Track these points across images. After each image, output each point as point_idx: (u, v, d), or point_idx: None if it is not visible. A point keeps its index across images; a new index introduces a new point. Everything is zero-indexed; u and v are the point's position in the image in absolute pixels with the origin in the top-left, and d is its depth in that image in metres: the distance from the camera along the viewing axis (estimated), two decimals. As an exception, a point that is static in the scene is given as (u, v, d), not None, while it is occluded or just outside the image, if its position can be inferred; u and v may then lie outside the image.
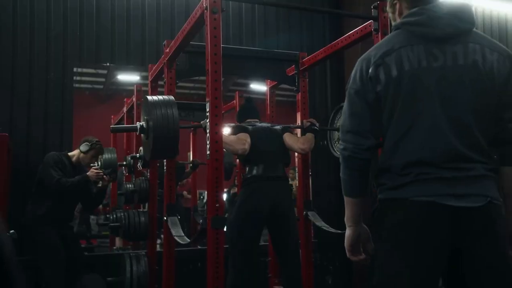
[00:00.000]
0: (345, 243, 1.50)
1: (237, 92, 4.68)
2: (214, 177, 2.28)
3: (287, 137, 3.08)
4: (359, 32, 2.80)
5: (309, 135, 3.07)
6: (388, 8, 1.57)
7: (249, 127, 3.02)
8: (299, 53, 3.43)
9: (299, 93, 3.41)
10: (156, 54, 4.05)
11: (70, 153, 3.54)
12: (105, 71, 7.35)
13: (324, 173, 4.69)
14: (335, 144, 3.19)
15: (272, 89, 3.87)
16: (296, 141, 3.06)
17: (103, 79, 7.94)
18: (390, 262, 1.34)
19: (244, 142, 2.89)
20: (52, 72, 3.97)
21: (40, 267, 3.33)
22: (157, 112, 2.47)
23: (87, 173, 3.30)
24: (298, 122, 3.46)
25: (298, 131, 3.32)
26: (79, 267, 3.40)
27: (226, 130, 3.10)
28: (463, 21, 1.39)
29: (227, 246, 2.65)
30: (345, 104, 1.47)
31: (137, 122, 2.67)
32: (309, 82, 3.50)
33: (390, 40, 1.44)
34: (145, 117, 2.62)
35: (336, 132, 3.09)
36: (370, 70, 1.39)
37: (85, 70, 7.17)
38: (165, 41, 3.10)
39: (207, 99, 2.34)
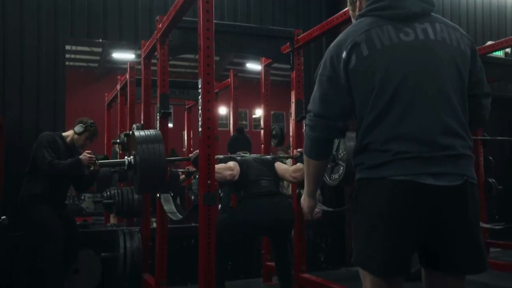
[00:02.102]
0: (305, 209, 1.70)
1: (231, 71, 4.64)
2: (206, 154, 2.28)
3: (278, 165, 3.08)
4: (355, 9, 2.76)
5: (300, 165, 3.03)
6: (348, 6, 1.61)
7: (238, 157, 3.03)
8: (294, 30, 3.39)
9: (294, 71, 3.39)
10: (149, 30, 3.99)
11: (64, 133, 3.51)
12: (99, 49, 7.25)
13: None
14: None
15: (266, 67, 3.83)
16: (287, 170, 3.06)
17: (97, 57, 7.85)
18: (368, 239, 1.37)
19: (232, 168, 2.90)
20: (43, 49, 3.91)
21: (38, 244, 3.35)
22: (143, 148, 2.48)
23: (80, 157, 3.29)
24: (293, 100, 3.44)
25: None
26: (75, 244, 3.42)
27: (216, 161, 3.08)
28: (426, 2, 1.43)
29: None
30: (315, 90, 1.48)
31: (125, 157, 2.67)
32: (304, 60, 3.47)
33: (357, 25, 1.45)
34: (134, 152, 2.62)
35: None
36: (343, 55, 1.40)
37: (79, 48, 7.09)
38: (157, 17, 3.05)
39: (199, 76, 2.31)
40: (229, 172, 2.85)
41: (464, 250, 1.36)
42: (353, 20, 1.58)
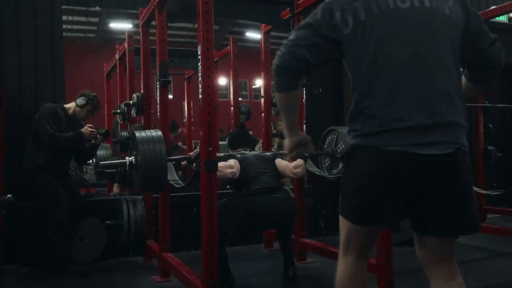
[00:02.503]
0: (289, 145, 1.59)
1: (231, 38, 4.58)
2: (207, 120, 2.29)
3: (278, 162, 3.07)
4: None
5: (300, 161, 3.03)
6: None
7: (238, 155, 3.01)
8: (294, -6, 3.32)
9: (294, 38, 3.34)
10: (147, -3, 3.91)
11: (66, 105, 3.51)
12: (96, 19, 7.15)
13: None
14: (326, 165, 3.15)
15: (266, 34, 3.78)
16: (288, 166, 3.04)
17: (95, 28, 7.73)
18: (354, 195, 1.43)
19: (232, 166, 2.88)
20: (40, 17, 3.84)
21: (44, 212, 3.40)
22: (145, 148, 2.49)
23: (81, 130, 3.31)
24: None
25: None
26: (79, 213, 3.48)
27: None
28: None
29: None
30: (295, 30, 1.48)
31: (126, 158, 2.67)
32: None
33: None
34: (134, 152, 2.62)
35: (327, 156, 3.05)
36: (337, 14, 1.40)
37: (76, 18, 6.98)
38: (155, -18, 2.99)
39: (198, 42, 2.29)
40: (229, 170, 2.85)
41: (457, 214, 1.40)
42: None
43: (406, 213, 1.46)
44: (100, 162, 2.87)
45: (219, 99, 5.68)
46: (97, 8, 4.17)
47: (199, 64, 2.30)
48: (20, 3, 3.79)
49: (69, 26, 7.24)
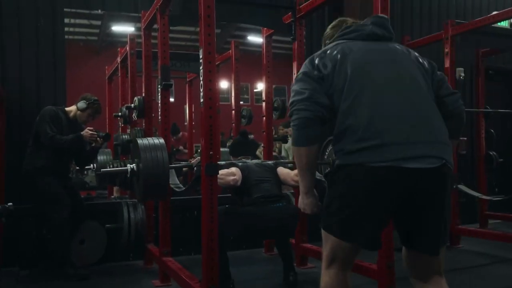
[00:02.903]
0: (306, 210, 1.64)
1: (232, 42, 4.58)
2: (208, 124, 2.28)
3: (280, 170, 3.06)
4: (359, -24, 2.70)
5: None
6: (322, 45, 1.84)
7: (239, 163, 3.01)
8: (296, -1, 3.33)
9: (296, 42, 3.34)
10: (149, 0, 3.92)
11: (67, 108, 3.51)
12: (99, 22, 7.16)
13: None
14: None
15: (268, 38, 3.78)
16: (289, 174, 3.04)
17: (97, 31, 7.74)
18: (340, 212, 1.48)
19: (234, 173, 2.88)
20: (42, 19, 3.85)
21: (45, 215, 3.39)
22: (147, 156, 2.48)
23: (82, 133, 3.30)
24: (295, 72, 3.40)
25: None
26: (80, 215, 3.47)
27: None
28: (386, 30, 1.65)
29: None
30: (295, 86, 1.56)
31: (128, 165, 2.66)
32: (306, 31, 3.43)
33: (330, 44, 1.65)
34: (136, 160, 2.61)
35: (328, 166, 3.04)
36: (316, 61, 1.56)
37: (78, 21, 6.98)
38: (157, -14, 3.00)
39: (200, 46, 2.29)
40: (231, 178, 2.84)
41: (438, 229, 1.49)
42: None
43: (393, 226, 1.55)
44: (102, 170, 2.85)
45: (221, 103, 5.68)
46: (99, 11, 4.16)
47: (201, 68, 2.29)
48: (22, 5, 3.80)
49: (71, 29, 7.25)
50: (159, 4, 2.96)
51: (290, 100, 1.55)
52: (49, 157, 3.33)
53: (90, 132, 3.31)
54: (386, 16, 1.71)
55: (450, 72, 4.11)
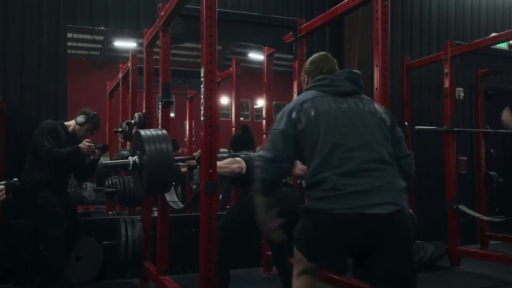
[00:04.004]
0: (263, 227, 1.93)
1: (233, 59, 4.61)
2: (208, 142, 2.28)
3: None
4: (359, -2, 2.73)
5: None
6: (302, 82, 2.12)
7: (242, 155, 2.99)
8: (297, 19, 3.36)
9: (296, 61, 3.37)
10: (152, 18, 3.95)
11: (67, 123, 3.51)
12: (101, 38, 7.21)
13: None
14: None
15: (269, 56, 3.81)
16: (296, 163, 3.03)
17: (99, 46, 7.80)
18: (309, 245, 1.77)
19: (239, 161, 2.86)
20: (45, 35, 3.89)
21: (41, 230, 3.37)
22: (151, 147, 2.41)
23: (79, 145, 3.30)
24: (295, 90, 3.42)
25: None
26: (77, 231, 3.44)
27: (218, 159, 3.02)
28: (357, 85, 1.89)
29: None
30: (270, 139, 1.84)
31: (129, 157, 2.59)
32: (307, 50, 3.45)
33: (305, 95, 1.88)
34: (138, 152, 2.54)
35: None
36: (293, 115, 1.80)
37: (81, 36, 7.04)
38: (160, 4, 3.03)
39: (202, 64, 2.30)
40: (236, 165, 2.82)
41: (396, 269, 1.68)
42: (303, 86, 2.05)
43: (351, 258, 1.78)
44: (103, 162, 2.77)
45: (221, 118, 5.69)
46: (103, 27, 4.21)
47: (202, 86, 2.30)
48: (26, 20, 3.84)
49: (74, 44, 7.31)
50: (161, 22, 2.98)
51: (261, 153, 1.87)
52: (47, 171, 3.31)
53: (88, 144, 3.30)
54: (359, 72, 1.96)
55: (450, 92, 4.13)
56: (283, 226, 1.85)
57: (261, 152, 1.88)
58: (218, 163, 2.58)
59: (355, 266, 1.78)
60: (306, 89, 1.94)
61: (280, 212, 1.90)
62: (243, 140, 3.31)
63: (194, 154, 2.79)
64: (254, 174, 1.86)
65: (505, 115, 3.06)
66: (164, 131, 2.55)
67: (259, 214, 1.90)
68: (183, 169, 5.28)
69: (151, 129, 2.55)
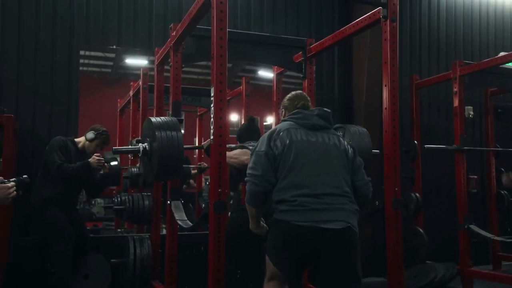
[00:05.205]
0: (257, 232, 2.38)
1: (243, 78, 4.66)
2: (217, 161, 2.28)
3: None
4: (368, 19, 2.76)
5: None
6: (280, 114, 2.52)
7: (250, 146, 3.00)
8: (306, 39, 3.40)
9: (306, 80, 3.39)
10: (163, 38, 4.03)
11: (77, 139, 3.55)
12: (113, 55, 7.33)
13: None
14: None
15: (279, 75, 3.83)
16: None
17: (111, 63, 7.92)
18: (276, 253, 2.14)
19: (249, 153, 2.86)
20: (58, 54, 3.97)
21: (48, 247, 3.38)
22: (162, 134, 2.46)
23: (89, 160, 3.33)
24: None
25: None
26: (85, 248, 3.45)
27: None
28: (326, 121, 2.29)
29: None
30: (254, 160, 2.19)
31: (140, 144, 2.64)
32: (316, 69, 3.47)
33: (282, 125, 2.28)
34: (148, 139, 2.59)
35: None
36: (271, 143, 2.19)
37: (93, 53, 7.17)
38: (171, 25, 3.08)
39: (212, 84, 2.33)
40: (246, 157, 2.82)
41: (342, 275, 2.04)
42: (281, 118, 2.45)
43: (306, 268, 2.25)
44: (114, 148, 2.79)
45: (230, 135, 5.72)
46: (115, 47, 4.29)
47: (212, 105, 2.32)
48: (40, 40, 3.93)
49: (86, 61, 7.43)
50: (172, 42, 3.03)
51: (248, 171, 2.18)
52: (57, 188, 3.33)
53: (97, 158, 3.33)
54: (329, 110, 2.32)
55: (459, 110, 4.12)
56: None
57: (249, 170, 2.17)
58: (228, 153, 2.65)
59: (309, 273, 2.17)
60: (284, 120, 2.33)
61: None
62: (249, 131, 3.32)
63: (202, 143, 2.80)
64: (246, 188, 2.18)
65: (505, 179, 3.25)
66: (174, 119, 2.59)
67: (253, 221, 2.31)
68: (193, 171, 5.30)
69: (162, 117, 2.59)
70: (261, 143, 2.21)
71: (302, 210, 2.03)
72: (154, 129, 2.47)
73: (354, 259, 2.06)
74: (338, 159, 2.19)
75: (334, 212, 2.04)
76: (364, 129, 3.17)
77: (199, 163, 5.25)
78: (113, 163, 3.44)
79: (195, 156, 6.28)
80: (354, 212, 2.10)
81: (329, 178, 2.11)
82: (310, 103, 2.41)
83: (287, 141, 2.16)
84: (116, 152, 2.73)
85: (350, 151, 2.25)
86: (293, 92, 2.47)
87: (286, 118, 2.34)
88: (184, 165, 4.56)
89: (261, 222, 2.34)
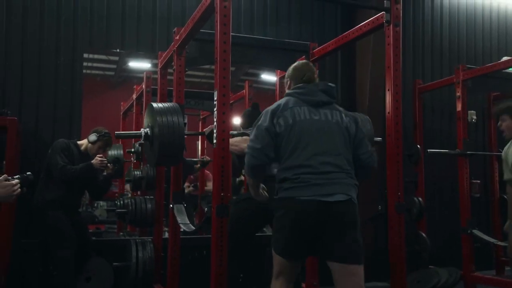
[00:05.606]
0: (258, 199, 2.40)
1: (246, 82, 4.66)
2: (220, 165, 2.28)
3: None
4: (371, 24, 2.76)
5: None
6: (284, 84, 2.50)
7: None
8: (309, 43, 3.40)
9: (309, 84, 3.39)
10: (167, 41, 4.04)
11: (79, 142, 3.56)
12: (116, 58, 7.34)
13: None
14: None
15: (282, 79, 3.84)
16: None
17: (114, 66, 7.93)
18: (278, 233, 2.19)
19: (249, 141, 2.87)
20: (62, 57, 3.98)
21: (50, 250, 3.38)
22: (163, 120, 2.48)
23: (91, 161, 3.33)
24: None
25: None
26: (87, 251, 3.45)
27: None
28: (330, 96, 2.30)
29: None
30: (256, 133, 2.22)
31: (141, 129, 2.66)
32: (319, 72, 3.45)
33: (286, 101, 2.28)
34: (150, 124, 2.60)
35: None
36: (274, 119, 2.22)
37: (96, 56, 7.18)
38: (175, 29, 3.09)
39: (215, 88, 2.33)
40: (246, 145, 2.83)
41: (343, 244, 2.10)
42: (286, 90, 2.43)
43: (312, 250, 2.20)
44: (116, 132, 2.81)
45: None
46: (118, 50, 4.30)
47: (215, 109, 2.32)
48: (44, 43, 3.95)
49: (89, 64, 7.44)
50: (176, 46, 3.04)
51: (249, 143, 2.22)
52: (59, 191, 3.34)
53: (100, 159, 3.33)
54: (333, 85, 2.34)
55: (462, 115, 4.11)
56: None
57: (250, 143, 2.22)
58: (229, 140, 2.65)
59: (314, 248, 2.18)
60: (288, 94, 2.33)
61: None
62: (253, 117, 3.31)
63: (204, 129, 2.80)
64: (245, 160, 2.23)
65: (507, 226, 3.36)
66: (176, 104, 2.62)
67: (253, 190, 2.36)
68: (196, 165, 5.29)
69: (163, 103, 2.60)
70: (264, 118, 2.24)
71: (304, 185, 2.11)
72: (155, 114, 2.48)
73: (355, 228, 2.13)
74: (340, 137, 2.22)
75: (335, 186, 2.12)
76: (366, 116, 3.22)
77: (202, 157, 5.25)
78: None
79: (198, 150, 6.28)
80: (354, 186, 2.18)
81: (331, 158, 2.16)
82: (315, 75, 2.39)
83: (291, 121, 2.19)
84: (118, 136, 2.76)
85: (353, 127, 2.28)
86: (299, 62, 2.45)
87: (291, 91, 2.33)
88: (187, 159, 4.55)
89: (261, 190, 2.39)
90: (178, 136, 2.50)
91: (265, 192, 2.40)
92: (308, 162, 2.14)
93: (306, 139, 2.18)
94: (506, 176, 3.30)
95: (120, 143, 5.20)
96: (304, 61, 2.43)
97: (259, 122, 2.24)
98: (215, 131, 2.27)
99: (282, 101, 2.30)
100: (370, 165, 2.32)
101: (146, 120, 2.76)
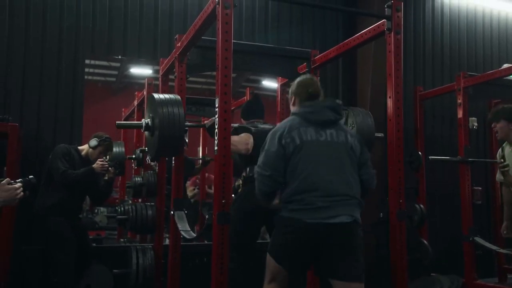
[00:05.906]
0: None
1: (248, 88, 4.67)
2: (221, 172, 2.28)
3: None
4: (372, 31, 2.77)
5: None
6: (289, 99, 2.50)
7: (252, 128, 3.00)
8: (311, 50, 3.41)
9: (310, 90, 3.39)
10: (168, 48, 4.06)
11: (80, 147, 3.57)
12: (118, 64, 7.36)
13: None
14: None
15: (283, 86, 3.85)
16: None
17: (115, 72, 7.95)
18: (281, 248, 2.22)
19: (247, 142, 2.88)
20: (63, 63, 4.00)
21: (51, 256, 3.37)
22: (164, 111, 2.49)
23: (93, 166, 3.34)
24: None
25: None
26: (88, 258, 3.44)
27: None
28: (336, 113, 2.32)
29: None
30: (264, 158, 2.25)
31: (142, 120, 2.67)
32: (320, 79, 3.47)
33: (292, 121, 2.31)
34: (151, 115, 2.61)
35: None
36: (282, 141, 2.24)
37: (98, 62, 7.19)
38: (176, 36, 3.10)
39: (216, 95, 2.33)
40: (244, 147, 2.86)
41: (346, 264, 2.14)
42: (290, 107, 2.47)
43: (312, 264, 2.25)
44: (117, 122, 2.82)
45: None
46: (120, 57, 4.32)
47: (216, 116, 2.32)
48: (46, 49, 3.96)
49: (91, 70, 7.45)
50: (177, 53, 3.05)
51: (257, 169, 2.26)
52: (61, 196, 3.33)
53: (101, 162, 3.34)
54: (340, 102, 2.37)
55: (463, 122, 4.11)
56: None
57: (258, 169, 2.25)
58: None
59: (315, 267, 2.25)
60: (293, 114, 2.36)
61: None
62: (254, 109, 3.32)
63: (205, 122, 2.80)
64: (255, 184, 2.27)
65: (503, 227, 3.43)
66: (177, 96, 2.63)
67: (265, 205, 2.35)
68: (197, 165, 5.27)
69: (165, 94, 2.62)
70: (271, 142, 2.26)
71: (309, 208, 2.14)
72: (156, 105, 2.49)
73: (357, 248, 2.18)
74: (346, 158, 2.26)
75: (339, 208, 2.15)
76: (367, 111, 3.24)
77: (203, 155, 5.23)
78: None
79: (197, 166, 6.27)
80: (358, 206, 2.22)
81: (338, 178, 2.20)
82: (319, 89, 2.41)
83: (298, 141, 2.22)
84: (119, 126, 2.77)
85: (357, 147, 2.31)
86: (303, 77, 2.48)
87: (297, 111, 2.35)
88: (188, 157, 4.54)
89: (273, 203, 2.38)
90: (178, 127, 2.52)
91: (277, 201, 2.39)
92: (314, 185, 2.17)
93: (313, 160, 2.21)
94: (498, 177, 3.35)
95: (122, 140, 5.22)
96: (307, 75, 2.46)
97: (266, 147, 2.26)
98: (216, 126, 2.27)
99: (287, 122, 2.32)
100: (370, 186, 2.38)
101: (147, 111, 2.78)
